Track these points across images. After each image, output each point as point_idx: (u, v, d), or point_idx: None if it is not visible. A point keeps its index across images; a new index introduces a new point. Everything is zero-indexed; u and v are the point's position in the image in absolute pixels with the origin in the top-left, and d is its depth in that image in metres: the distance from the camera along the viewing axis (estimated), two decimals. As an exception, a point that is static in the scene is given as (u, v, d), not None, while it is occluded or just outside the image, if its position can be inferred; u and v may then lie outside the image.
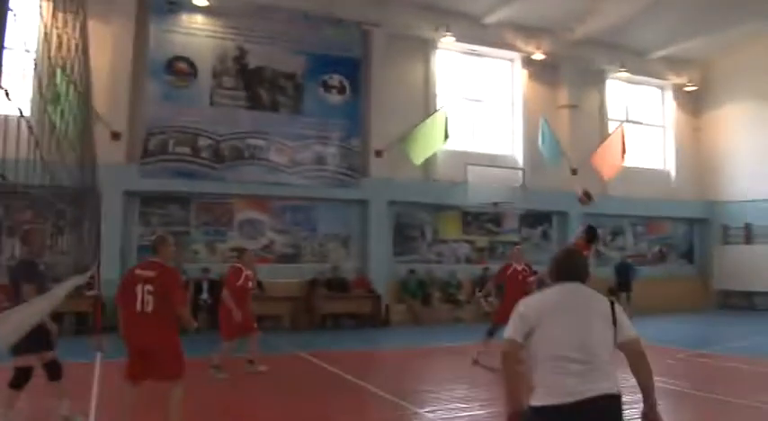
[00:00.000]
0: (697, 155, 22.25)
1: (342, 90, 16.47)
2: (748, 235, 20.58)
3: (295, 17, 16.14)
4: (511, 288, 10.06)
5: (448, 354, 11.83)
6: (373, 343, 13.73)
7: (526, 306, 3.29)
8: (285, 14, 16.06)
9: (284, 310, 15.40)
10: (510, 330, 3.26)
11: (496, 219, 18.67)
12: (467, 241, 18.34)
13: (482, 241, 18.55)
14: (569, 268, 3.40)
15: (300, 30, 16.21)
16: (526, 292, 10.07)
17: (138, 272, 5.64)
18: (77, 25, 4.50)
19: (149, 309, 5.47)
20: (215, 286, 14.71)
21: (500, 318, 9.95)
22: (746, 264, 20.08)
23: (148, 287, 5.47)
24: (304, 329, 14.95)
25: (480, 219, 18.44)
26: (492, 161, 18.28)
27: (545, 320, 3.17)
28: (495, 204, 17.83)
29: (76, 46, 4.49)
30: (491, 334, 9.85)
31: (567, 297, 3.28)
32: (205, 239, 15.43)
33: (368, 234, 16.57)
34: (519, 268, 10.34)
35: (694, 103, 22.42)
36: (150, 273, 5.52)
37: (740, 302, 20.72)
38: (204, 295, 14.59)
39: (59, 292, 3.86)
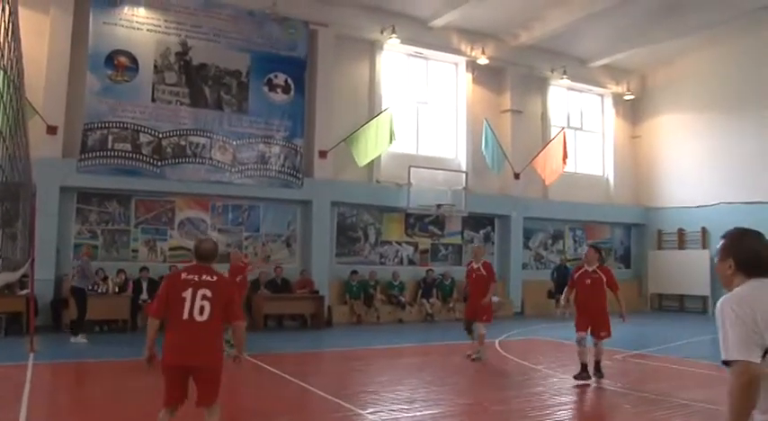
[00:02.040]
0: (635, 162, 22.93)
1: (287, 89, 16.36)
2: (681, 240, 21.32)
3: (240, 14, 15.96)
4: (472, 287, 11.08)
5: (390, 356, 11.89)
6: (316, 344, 13.69)
7: (744, 304, 2.41)
8: (230, 11, 15.85)
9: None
10: (735, 347, 2.33)
11: (439, 222, 18.84)
12: (410, 243, 18.46)
13: (425, 243, 18.70)
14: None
15: (245, 27, 16.02)
16: (483, 290, 10.58)
17: (188, 276, 4.84)
18: (5, 8, 4.33)
19: (203, 317, 4.70)
20: (154, 286, 14.47)
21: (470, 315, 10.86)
22: (679, 267, 20.80)
23: (205, 292, 4.75)
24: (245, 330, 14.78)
25: (423, 222, 18.58)
26: (435, 164, 18.45)
27: None
28: (439, 207, 17.99)
29: (6, 31, 4.33)
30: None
31: None
32: (145, 238, 15.11)
33: (311, 235, 16.51)
34: (475, 266, 10.91)
35: (633, 112, 23.11)
36: (208, 278, 4.82)
37: (672, 305, 21.46)
38: (144, 295, 14.31)
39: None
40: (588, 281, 8.99)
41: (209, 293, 4.73)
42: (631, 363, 10.91)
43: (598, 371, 8.88)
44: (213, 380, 4.77)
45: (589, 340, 8.86)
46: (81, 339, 11.98)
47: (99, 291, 13.82)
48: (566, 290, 9.62)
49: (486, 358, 10.57)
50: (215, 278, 4.85)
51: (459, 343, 11.72)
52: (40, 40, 13.69)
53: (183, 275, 4.86)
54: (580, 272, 9.25)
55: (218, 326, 4.85)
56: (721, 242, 2.67)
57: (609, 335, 8.89)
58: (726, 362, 2.36)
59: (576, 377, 8.73)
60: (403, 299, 17.38)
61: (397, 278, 17.53)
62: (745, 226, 2.73)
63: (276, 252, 16.44)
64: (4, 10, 4.19)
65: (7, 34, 4.37)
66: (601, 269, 9.14)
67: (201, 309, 4.69)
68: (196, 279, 4.78)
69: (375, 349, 12.66)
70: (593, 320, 8.80)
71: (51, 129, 13.81)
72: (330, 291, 16.44)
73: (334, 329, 15.68)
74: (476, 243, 18.60)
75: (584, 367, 8.76)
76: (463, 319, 11.34)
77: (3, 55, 4.35)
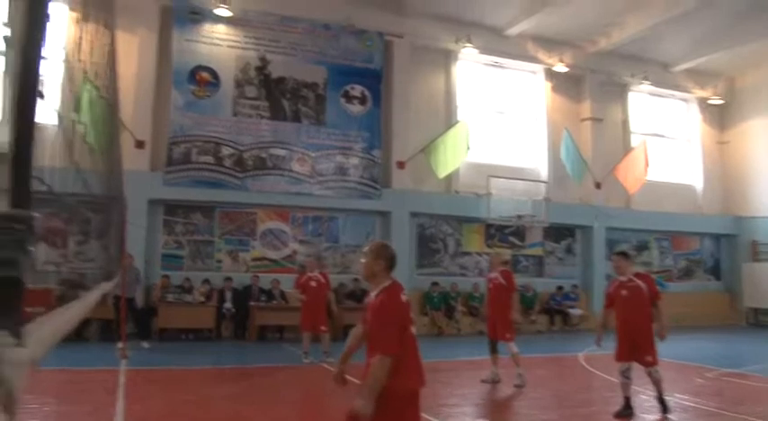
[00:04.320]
0: (723, 169, 21.92)
1: (363, 101, 16.43)
2: (779, 251, 20.14)
3: (316, 27, 16.19)
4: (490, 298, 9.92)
5: (472, 368, 11.54)
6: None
7: None
8: (306, 25, 16.10)
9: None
10: None
11: (520, 233, 18.42)
12: (490, 254, 18.06)
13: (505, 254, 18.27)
14: None
15: (322, 40, 16.24)
16: (502, 303, 9.38)
17: (402, 295, 3.98)
18: (105, 33, 4.41)
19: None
20: (238, 295, 14.67)
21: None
22: (777, 280, 19.63)
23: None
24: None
25: (504, 232, 18.20)
26: (515, 174, 18.09)
27: None
28: (519, 217, 17.59)
29: (105, 54, 4.41)
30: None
31: None
32: (228, 248, 15.34)
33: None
34: (492, 275, 9.76)
35: (720, 117, 22.15)
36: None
37: (770, 319, 20.23)
38: (228, 304, 14.50)
39: (90, 299, 3.73)
40: (624, 292, 7.33)
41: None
42: (725, 382, 10.05)
43: (663, 406, 7.22)
44: None
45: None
46: (144, 345, 12.30)
47: (185, 300, 14.10)
48: (601, 311, 8.12)
49: (525, 381, 9.01)
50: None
51: (540, 356, 11.28)
52: (128, 59, 14.11)
53: (402, 297, 4.02)
54: (614, 284, 7.56)
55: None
56: None
57: (655, 361, 7.14)
58: None
59: (616, 415, 7.16)
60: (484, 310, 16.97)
61: (477, 289, 17.17)
62: None
63: (355, 263, 16.38)
64: (103, 36, 4.26)
65: (106, 58, 4.46)
66: (639, 276, 7.43)
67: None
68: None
69: (457, 361, 12.36)
70: (635, 342, 7.18)
71: (139, 144, 14.25)
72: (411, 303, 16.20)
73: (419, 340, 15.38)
74: (554, 254, 18.06)
75: (626, 401, 7.24)
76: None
77: (101, 77, 4.43)
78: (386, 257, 3.98)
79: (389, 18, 16.75)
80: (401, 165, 16.55)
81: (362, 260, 3.94)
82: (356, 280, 15.85)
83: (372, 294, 3.99)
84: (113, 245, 8.13)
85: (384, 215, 16.54)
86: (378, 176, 16.31)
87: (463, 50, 17.52)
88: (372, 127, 16.42)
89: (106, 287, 6.84)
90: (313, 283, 11.31)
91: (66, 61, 3.33)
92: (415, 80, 17.26)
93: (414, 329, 4.01)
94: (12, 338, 2.42)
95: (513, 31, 17.74)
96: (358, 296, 15.62)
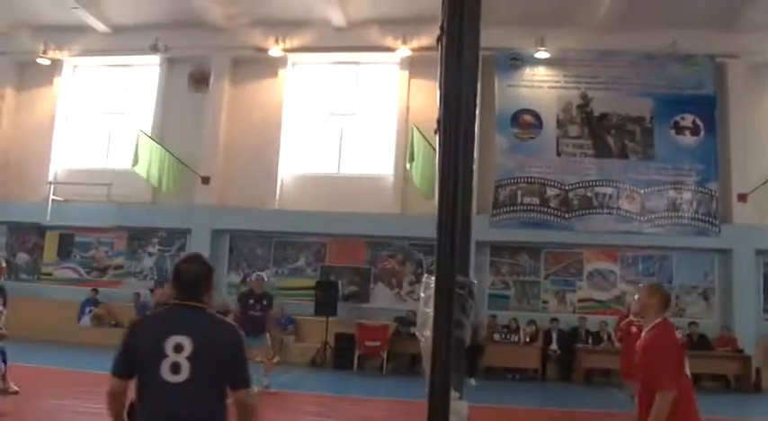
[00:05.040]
0: None
1: (695, 130, 15.29)
2: None
3: (638, 58, 15.56)
4: None
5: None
6: (741, 410, 12.11)
7: None
8: (628, 57, 15.58)
9: (636, 367, 14.47)
10: None
11: None
12: None
13: None
14: None
15: (645, 70, 15.56)
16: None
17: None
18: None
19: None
20: (564, 336, 14.53)
21: None
22: None
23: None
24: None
25: None
26: None
27: None
28: None
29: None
30: None
31: None
32: (554, 289, 15.32)
33: (731, 287, 14.91)
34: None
35: None
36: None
37: None
38: (553, 345, 14.44)
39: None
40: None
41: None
42: None
43: None
44: None
45: None
46: (471, 382, 12.49)
47: (512, 340, 14.38)
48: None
49: None
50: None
51: None
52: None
53: (677, 335, 4.26)
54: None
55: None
56: None
57: None
58: None
59: None
60: None
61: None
62: None
63: (691, 305, 15.22)
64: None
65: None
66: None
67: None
68: None
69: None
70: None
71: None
72: (758, 351, 14.52)
73: (764, 395, 13.73)
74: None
75: None
76: None
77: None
78: (662, 294, 4.21)
79: (721, 38, 15.34)
80: (743, 197, 15.02)
81: (636, 296, 4.22)
82: (693, 323, 14.67)
83: (643, 333, 4.14)
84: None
85: (724, 253, 15.12)
86: (715, 211, 14.99)
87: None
88: (707, 158, 15.18)
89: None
90: (634, 328, 10.50)
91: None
92: (755, 103, 15.60)
93: (688, 371, 4.01)
94: (458, 393, 2.66)
95: None
96: (694, 342, 14.47)
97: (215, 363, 3.09)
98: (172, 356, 3.02)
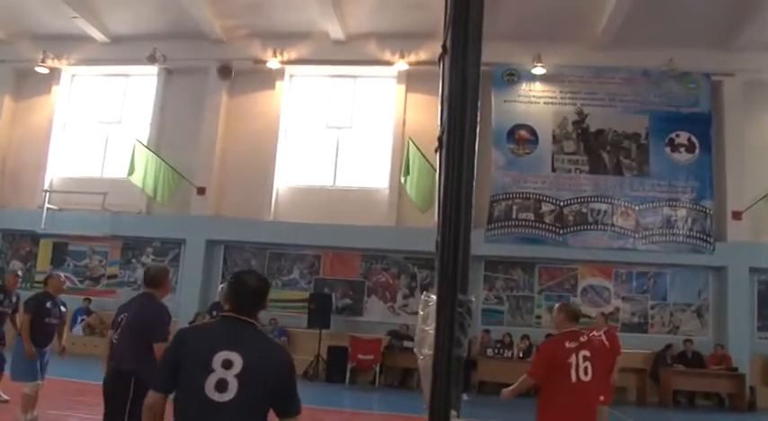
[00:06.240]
0: None
1: (691, 148, 15.34)
2: None
3: (634, 75, 15.62)
4: None
5: None
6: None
7: None
8: (624, 74, 15.64)
9: (630, 383, 14.43)
10: None
11: None
12: None
13: None
14: None
15: (641, 87, 15.61)
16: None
17: (568, 344, 5.23)
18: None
19: (587, 377, 5.16)
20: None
21: None
22: None
23: (584, 353, 5.18)
24: (651, 404, 13.92)
25: None
26: None
27: None
28: None
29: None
30: None
31: None
32: (548, 304, 15.30)
33: (725, 305, 14.93)
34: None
35: None
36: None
37: None
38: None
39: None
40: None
41: (587, 354, 5.39)
42: None
43: None
44: None
45: None
46: (464, 397, 12.41)
47: (504, 355, 14.33)
48: None
49: None
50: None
51: None
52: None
53: (567, 343, 5.39)
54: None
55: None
56: None
57: None
58: None
59: None
60: None
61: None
62: None
63: (685, 322, 15.23)
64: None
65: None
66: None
67: (586, 370, 5.38)
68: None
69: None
70: None
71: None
72: (752, 370, 14.52)
73: (758, 414, 13.72)
74: None
75: None
76: None
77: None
78: (566, 311, 5.48)
79: (716, 56, 15.46)
80: (737, 215, 15.07)
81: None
82: (688, 341, 14.68)
83: None
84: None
85: (718, 270, 15.14)
86: (710, 229, 15.03)
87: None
88: (702, 175, 15.23)
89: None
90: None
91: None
92: (750, 121, 15.66)
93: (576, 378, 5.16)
94: (455, 411, 2.64)
95: None
96: (689, 359, 14.47)
97: (264, 384, 2.92)
98: (219, 372, 2.85)
